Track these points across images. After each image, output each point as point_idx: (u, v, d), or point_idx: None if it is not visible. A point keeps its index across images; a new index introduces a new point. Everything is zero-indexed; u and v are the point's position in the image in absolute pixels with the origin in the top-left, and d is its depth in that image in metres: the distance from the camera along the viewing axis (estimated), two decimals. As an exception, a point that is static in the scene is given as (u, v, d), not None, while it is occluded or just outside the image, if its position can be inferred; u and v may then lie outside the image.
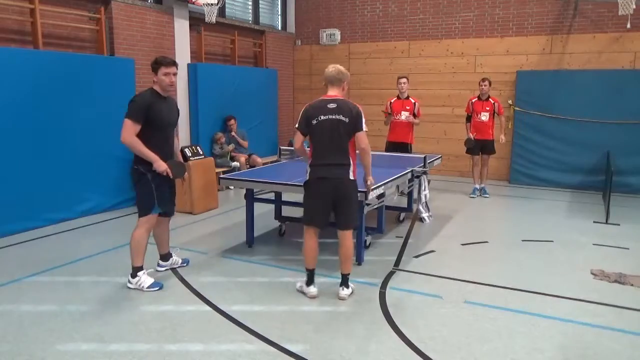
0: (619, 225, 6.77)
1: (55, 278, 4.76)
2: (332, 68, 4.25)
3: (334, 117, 4.11)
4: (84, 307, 4.12)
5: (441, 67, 10.39)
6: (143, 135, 4.24)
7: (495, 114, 8.34)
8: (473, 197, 8.47)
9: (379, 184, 5.17)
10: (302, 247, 4.43)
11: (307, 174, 4.30)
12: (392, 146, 8.05)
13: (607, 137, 8.89)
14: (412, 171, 6.18)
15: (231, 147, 9.17)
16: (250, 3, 10.93)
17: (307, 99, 11.85)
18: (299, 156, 4.51)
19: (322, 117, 4.13)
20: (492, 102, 8.33)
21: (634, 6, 7.48)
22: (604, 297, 4.39)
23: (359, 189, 4.43)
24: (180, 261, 5.07)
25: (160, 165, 4.30)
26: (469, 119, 8.51)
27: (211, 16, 8.43)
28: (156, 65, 4.36)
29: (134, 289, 4.43)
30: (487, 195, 8.49)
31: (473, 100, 8.46)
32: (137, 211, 4.50)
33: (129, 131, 4.21)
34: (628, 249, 5.77)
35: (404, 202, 7.08)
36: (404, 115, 7.96)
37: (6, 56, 5.96)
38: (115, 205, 7.28)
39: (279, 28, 11.77)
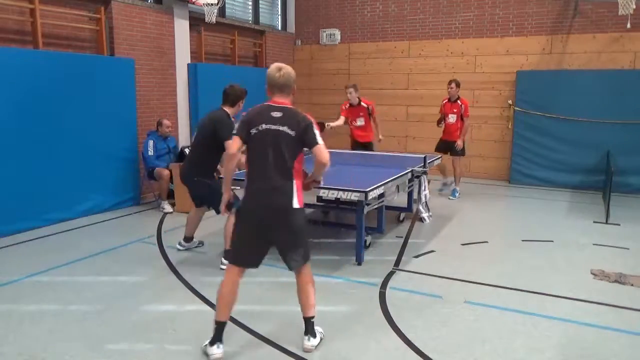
0: (619, 225, 6.77)
1: (55, 278, 4.76)
2: (278, 72, 3.38)
3: (277, 127, 3.30)
4: (84, 307, 4.12)
5: (441, 67, 10.39)
6: (213, 153, 4.92)
7: (462, 117, 8.25)
8: (449, 196, 8.44)
9: (379, 184, 5.17)
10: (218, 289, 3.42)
11: (241, 198, 3.44)
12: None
13: (607, 137, 8.87)
14: (412, 171, 6.19)
15: None
16: (250, 3, 10.92)
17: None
18: (228, 169, 3.54)
19: (264, 127, 3.31)
20: (460, 104, 8.26)
21: (634, 6, 7.46)
22: (604, 297, 4.39)
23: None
24: (197, 242, 5.73)
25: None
26: (442, 119, 8.47)
27: (211, 16, 8.43)
28: (243, 95, 5.49)
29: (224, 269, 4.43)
30: (453, 198, 8.31)
31: (444, 102, 8.44)
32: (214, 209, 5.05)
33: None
34: (628, 249, 5.77)
35: (404, 202, 7.07)
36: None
37: (6, 56, 5.96)
38: (115, 205, 7.28)
39: (279, 28, 11.77)
